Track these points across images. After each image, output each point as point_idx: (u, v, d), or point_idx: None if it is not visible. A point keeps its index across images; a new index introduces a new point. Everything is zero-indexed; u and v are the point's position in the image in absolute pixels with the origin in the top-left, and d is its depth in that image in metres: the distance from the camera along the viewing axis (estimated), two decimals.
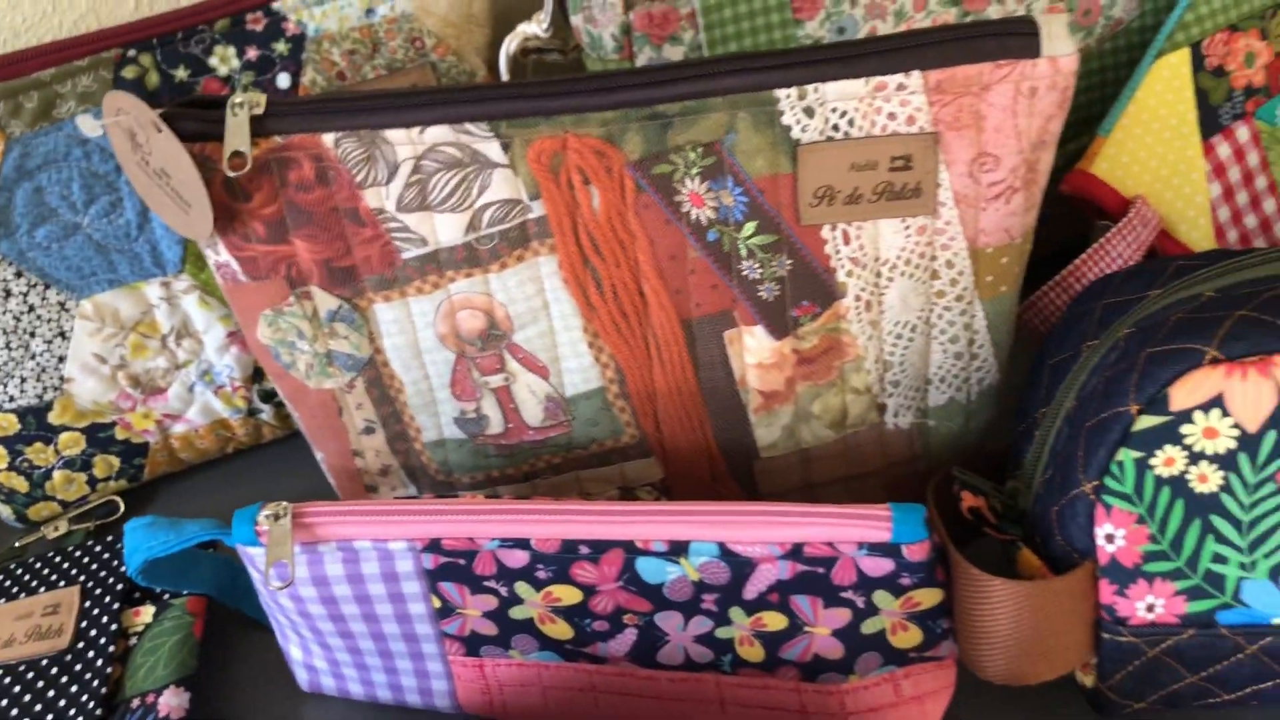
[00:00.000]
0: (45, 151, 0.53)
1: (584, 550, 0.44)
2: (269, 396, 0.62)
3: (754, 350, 0.49)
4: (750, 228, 0.47)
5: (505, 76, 0.58)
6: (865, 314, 0.49)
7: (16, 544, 0.60)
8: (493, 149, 0.46)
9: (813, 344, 0.49)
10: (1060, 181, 0.55)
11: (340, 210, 0.47)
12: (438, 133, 0.45)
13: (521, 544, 0.45)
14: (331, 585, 0.47)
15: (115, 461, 0.61)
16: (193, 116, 0.46)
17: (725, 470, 0.53)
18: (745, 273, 0.48)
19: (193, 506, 0.63)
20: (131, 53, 0.53)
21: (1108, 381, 0.42)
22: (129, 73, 0.53)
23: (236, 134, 0.45)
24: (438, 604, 0.47)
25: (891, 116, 0.45)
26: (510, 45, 0.57)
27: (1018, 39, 0.43)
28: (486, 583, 0.46)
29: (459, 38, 0.58)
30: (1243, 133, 0.57)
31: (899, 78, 0.44)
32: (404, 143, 0.46)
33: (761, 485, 0.53)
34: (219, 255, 0.49)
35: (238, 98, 0.45)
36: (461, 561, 0.45)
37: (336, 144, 0.46)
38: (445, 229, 0.47)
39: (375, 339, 0.50)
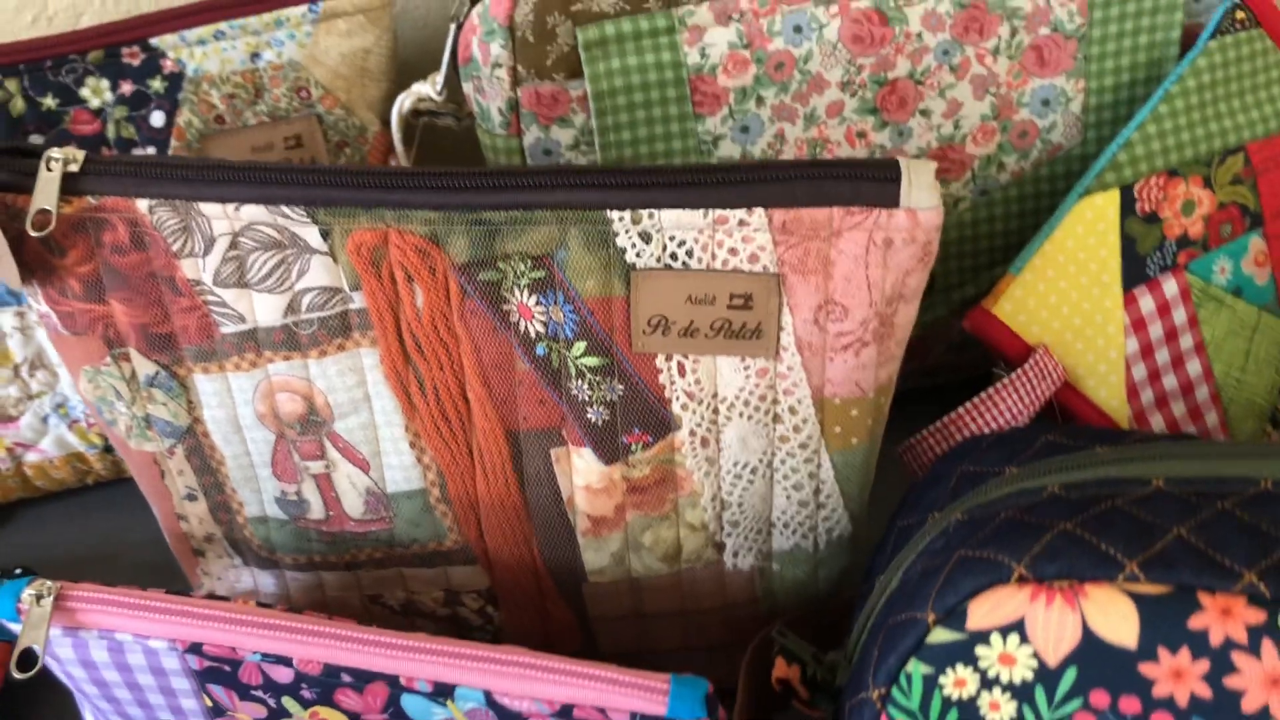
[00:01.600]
0: None
1: (346, 678, 0.41)
2: None
3: (582, 472, 0.46)
4: (580, 347, 0.43)
5: (398, 134, 0.55)
6: (701, 450, 0.45)
7: None
8: (311, 235, 0.43)
9: (644, 473, 0.46)
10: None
11: (158, 276, 0.45)
12: (253, 212, 0.43)
13: (285, 661, 0.42)
14: (100, 670, 0.44)
15: None
16: (6, 166, 0.43)
17: (553, 589, 0.50)
18: (574, 392, 0.44)
19: (44, 535, 0.62)
20: None
21: (921, 575, 0.38)
22: None
23: (45, 191, 0.43)
24: (209, 703, 0.44)
25: (733, 251, 0.41)
26: (404, 104, 0.54)
27: (874, 185, 0.39)
28: (254, 692, 0.43)
29: (349, 90, 0.55)
30: (1170, 286, 0.52)
31: (740, 213, 0.40)
32: (220, 217, 0.43)
33: (591, 608, 0.50)
34: (39, 305, 0.46)
35: (55, 153, 0.43)
36: (227, 668, 0.43)
37: (151, 210, 0.43)
38: (264, 309, 0.45)
39: (195, 409, 0.48)
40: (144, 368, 0.47)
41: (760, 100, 0.52)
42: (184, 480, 0.50)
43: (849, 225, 0.40)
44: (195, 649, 0.42)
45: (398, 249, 0.43)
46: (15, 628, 0.44)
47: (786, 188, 0.40)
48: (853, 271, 0.41)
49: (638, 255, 0.41)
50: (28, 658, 0.43)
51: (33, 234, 0.43)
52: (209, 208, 0.43)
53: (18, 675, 0.42)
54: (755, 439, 0.45)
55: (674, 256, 0.41)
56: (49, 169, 0.43)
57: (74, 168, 0.43)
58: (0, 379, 0.56)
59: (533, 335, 0.43)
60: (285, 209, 0.42)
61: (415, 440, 0.47)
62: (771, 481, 0.46)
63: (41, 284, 0.45)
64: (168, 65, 0.52)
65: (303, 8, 0.53)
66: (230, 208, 0.43)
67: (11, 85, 0.51)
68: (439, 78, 0.54)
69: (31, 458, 0.59)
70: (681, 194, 0.40)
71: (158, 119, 0.53)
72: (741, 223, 0.40)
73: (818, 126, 0.53)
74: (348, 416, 0.47)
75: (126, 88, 0.52)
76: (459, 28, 0.52)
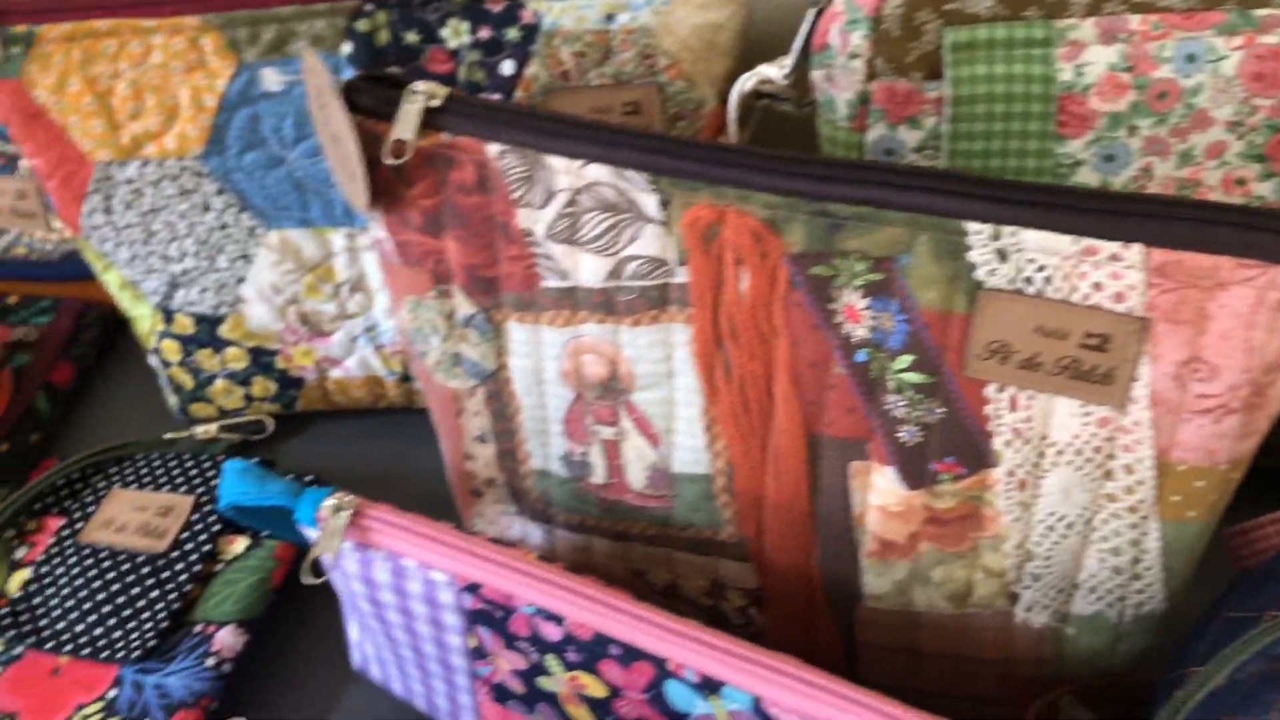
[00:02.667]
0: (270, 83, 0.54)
1: (614, 650, 0.41)
2: None
3: (881, 491, 0.44)
4: (905, 360, 0.41)
5: (734, 114, 0.54)
6: (1017, 493, 0.42)
7: (167, 436, 0.63)
8: (649, 203, 0.42)
9: (948, 506, 0.43)
10: None
11: (494, 220, 0.45)
12: (598, 171, 0.42)
13: (556, 619, 0.42)
14: (378, 589, 0.45)
15: (272, 386, 0.63)
16: (371, 92, 0.45)
17: (824, 605, 0.48)
18: (889, 407, 0.42)
19: (334, 448, 0.64)
20: (369, 6, 0.53)
21: (1260, 679, 0.34)
22: (362, 25, 0.53)
23: (405, 122, 0.44)
24: (473, 644, 0.45)
25: (1098, 286, 0.37)
26: (745, 84, 0.53)
27: (1273, 238, 0.35)
28: (519, 643, 0.43)
29: (695, 63, 0.54)
30: None
31: (1115, 246, 0.37)
32: (564, 172, 0.43)
33: (860, 633, 0.48)
34: (378, 230, 0.48)
35: (418, 85, 0.44)
36: (498, 614, 0.43)
37: (500, 155, 0.44)
38: (588, 269, 0.44)
39: (503, 354, 0.48)
40: (464, 307, 0.48)
41: (1133, 129, 0.47)
42: (478, 422, 0.51)
43: (1238, 279, 0.36)
44: (473, 589, 0.43)
45: (733, 229, 0.41)
46: (310, 532, 0.45)
47: (1166, 226, 0.36)
48: (1232, 330, 0.36)
49: (990, 273, 0.39)
50: (318, 564, 0.45)
51: (388, 161, 0.44)
52: (556, 161, 0.43)
53: (306, 579, 0.44)
54: (1079, 492, 0.41)
55: (1029, 281, 0.38)
56: (411, 101, 0.44)
57: (435, 103, 0.44)
58: (321, 294, 0.59)
59: (855, 340, 0.41)
60: (630, 173, 0.42)
61: (711, 425, 0.45)
62: (1087, 540, 0.42)
63: (386, 210, 0.47)
64: (526, 16, 0.53)
65: None
66: (576, 164, 0.43)
67: (380, 17, 0.53)
68: (787, 61, 0.52)
69: (336, 373, 0.62)
70: (1051, 216, 0.37)
71: (507, 68, 0.54)
72: (1114, 257, 0.37)
73: (1192, 167, 0.48)
74: (648, 389, 0.46)
75: (484, 33, 0.53)
76: (819, 13, 0.50)
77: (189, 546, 0.55)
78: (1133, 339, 0.38)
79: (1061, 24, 0.46)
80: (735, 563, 0.49)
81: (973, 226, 0.38)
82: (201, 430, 0.63)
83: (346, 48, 0.53)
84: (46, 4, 0.53)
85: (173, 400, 0.65)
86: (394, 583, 0.45)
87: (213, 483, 0.58)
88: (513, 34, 0.53)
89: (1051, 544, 0.43)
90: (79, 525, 0.58)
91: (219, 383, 0.63)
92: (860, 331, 0.41)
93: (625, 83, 0.54)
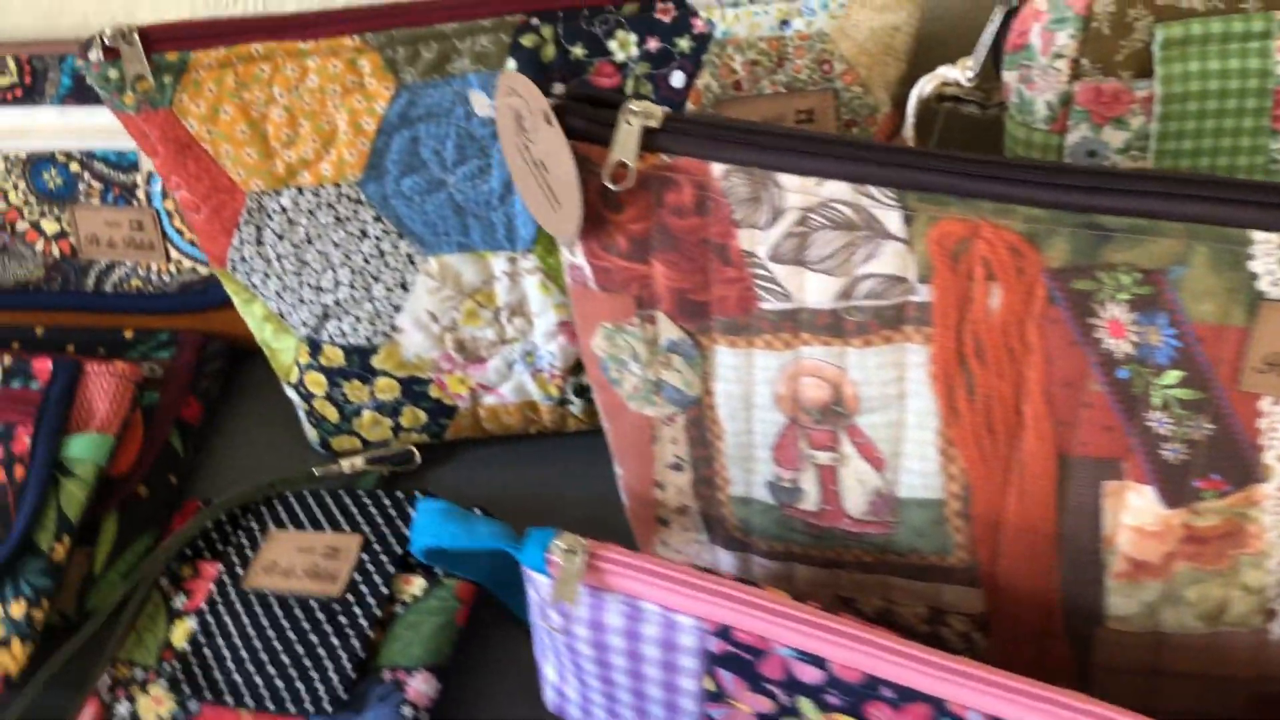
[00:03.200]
0: (430, 104, 0.52)
1: (886, 693, 0.39)
2: (583, 391, 0.60)
3: (1136, 511, 0.42)
4: (1173, 376, 0.39)
5: (912, 119, 0.52)
6: None
7: (315, 471, 0.61)
8: (892, 219, 0.40)
9: (1210, 523, 0.41)
10: None
11: (710, 243, 0.43)
12: (837, 189, 0.40)
13: (818, 662, 0.40)
14: (606, 633, 0.43)
15: (422, 416, 0.61)
16: (582, 114, 0.42)
17: (1060, 628, 0.46)
18: (1152, 424, 0.40)
19: (485, 475, 0.62)
20: (535, 21, 0.51)
21: None
22: (527, 41, 0.51)
23: (626, 145, 0.42)
24: (710, 687, 0.43)
25: None
26: (925, 87, 0.51)
27: None
28: (768, 685, 0.41)
29: (870, 68, 0.52)
30: None
31: None
32: (797, 190, 0.41)
33: (1097, 655, 0.46)
34: (574, 257, 0.46)
35: (634, 105, 0.42)
36: (748, 657, 0.41)
37: (725, 176, 0.42)
38: (814, 289, 0.42)
39: (708, 380, 0.46)
40: (669, 332, 0.46)
41: None
42: (674, 449, 0.49)
43: None
44: (723, 632, 0.41)
45: (986, 244, 0.39)
46: (538, 579, 0.43)
47: None
48: None
49: (1273, 283, 0.37)
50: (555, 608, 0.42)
51: (610, 186, 0.42)
52: (788, 179, 0.41)
53: (552, 626, 0.42)
54: None
55: None
56: (628, 123, 0.42)
57: (653, 123, 0.42)
58: (480, 320, 0.57)
59: (1118, 356, 0.40)
60: (873, 189, 0.40)
61: (947, 448, 0.44)
62: None
63: (584, 237, 0.45)
64: (698, 25, 0.51)
65: None
66: (812, 182, 0.41)
67: (546, 31, 0.51)
68: (970, 62, 0.50)
69: (489, 400, 0.60)
70: None
71: (678, 79, 0.52)
72: None
73: None
74: (874, 412, 0.44)
75: (653, 44, 0.51)
76: (1010, 13, 0.48)
77: (364, 589, 0.53)
78: None
79: None
80: (960, 588, 0.47)
81: (1260, 236, 0.36)
82: (348, 464, 0.61)
83: (511, 64, 0.51)
84: (198, 30, 0.51)
85: (313, 434, 0.63)
86: (626, 626, 0.43)
87: (376, 520, 0.56)
88: (683, 44, 0.51)
89: None
90: (239, 570, 0.56)
91: (366, 414, 0.61)
92: (1124, 347, 0.39)
93: (799, 90, 0.52)
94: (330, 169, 0.53)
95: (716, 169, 0.42)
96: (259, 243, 0.55)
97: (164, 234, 0.65)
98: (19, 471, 0.56)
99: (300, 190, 0.54)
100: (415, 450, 0.62)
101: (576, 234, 0.44)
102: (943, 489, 0.45)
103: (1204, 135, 0.47)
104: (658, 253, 0.44)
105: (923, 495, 0.45)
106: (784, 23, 0.51)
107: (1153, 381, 0.40)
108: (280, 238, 0.55)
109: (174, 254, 0.66)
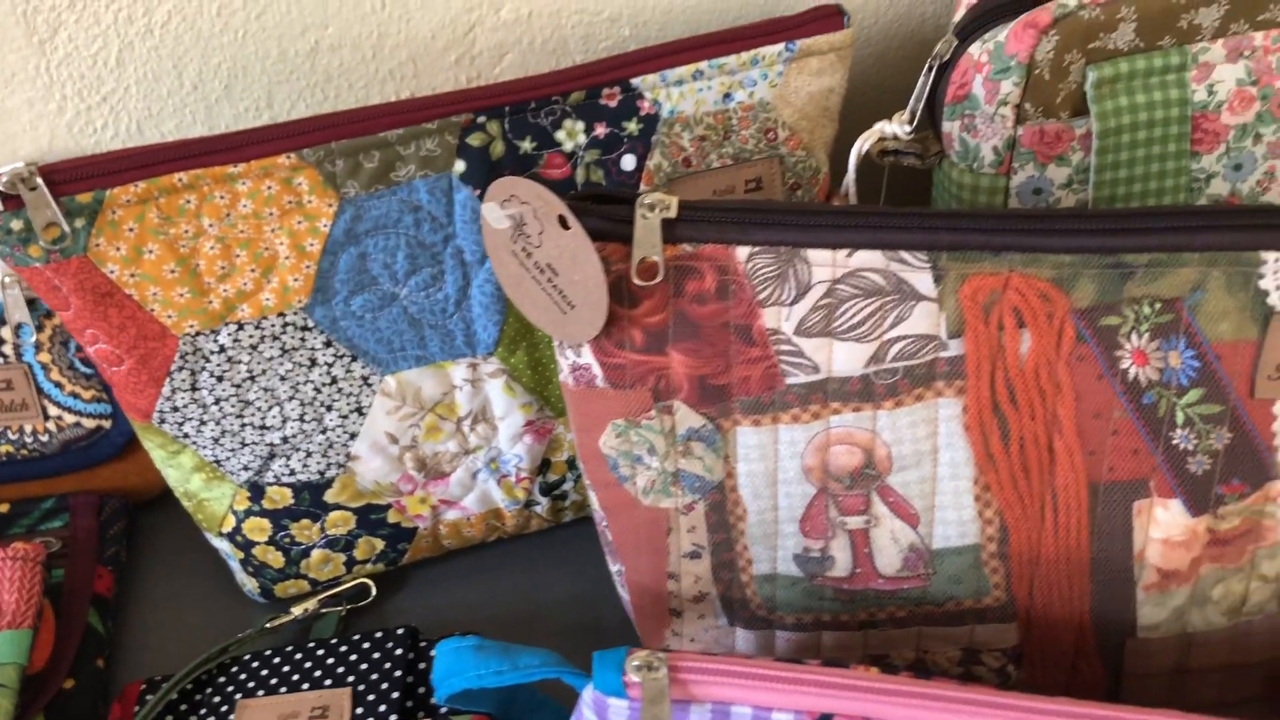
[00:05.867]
0: (377, 216, 0.49)
1: None
2: (549, 489, 0.57)
3: (1164, 525, 0.44)
4: (1195, 394, 0.42)
5: (853, 175, 0.53)
6: None
7: (267, 624, 0.55)
8: (923, 281, 0.41)
9: (1232, 525, 0.44)
10: None
11: (731, 326, 0.42)
12: (866, 257, 0.41)
13: None
14: None
15: (379, 544, 0.57)
16: (595, 213, 0.41)
17: (1093, 647, 0.48)
18: (1176, 441, 0.42)
19: (447, 596, 0.59)
20: (481, 119, 0.49)
21: None
22: (475, 140, 0.49)
23: (648, 239, 0.41)
24: None
25: None
26: (864, 144, 0.52)
27: None
28: None
29: (811, 131, 0.53)
30: None
31: None
32: (825, 264, 0.41)
33: (1129, 664, 0.48)
34: (580, 358, 0.44)
35: (647, 198, 0.41)
36: None
37: (749, 258, 0.41)
38: (843, 358, 0.43)
39: (731, 462, 0.46)
40: (688, 420, 0.45)
41: (1258, 137, 0.50)
42: (691, 538, 0.48)
43: None
44: None
45: (1017, 293, 0.41)
46: (615, 703, 0.41)
47: None
48: None
49: None
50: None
51: (639, 283, 0.41)
52: (817, 254, 0.41)
53: None
54: None
55: None
56: (645, 216, 0.41)
57: (669, 214, 0.41)
58: (442, 433, 0.54)
59: (1143, 382, 0.42)
60: (905, 254, 0.41)
61: (982, 494, 0.45)
62: None
63: (596, 336, 0.43)
64: (645, 106, 0.50)
65: (779, 46, 0.51)
66: (842, 254, 0.41)
67: (493, 128, 0.49)
68: (906, 116, 0.52)
69: (451, 515, 0.57)
70: None
71: (628, 162, 0.51)
72: None
73: None
74: (907, 469, 0.45)
75: (600, 130, 0.50)
76: (943, 67, 0.51)
77: None
78: None
79: (1193, 48, 0.49)
80: (993, 625, 0.48)
81: (1269, 255, 0.39)
82: (300, 609, 0.56)
83: (459, 165, 0.49)
84: (110, 163, 0.46)
85: (250, 584, 0.57)
86: None
87: (360, 667, 0.52)
88: (632, 127, 0.51)
89: None
90: None
91: (316, 554, 0.56)
92: (1148, 373, 0.42)
93: (746, 160, 0.53)
94: (273, 298, 0.49)
95: (741, 252, 0.41)
96: (194, 389, 0.50)
97: (39, 390, 0.58)
98: None
99: (240, 325, 0.49)
100: (370, 582, 0.58)
101: (596, 334, 0.42)
102: (979, 533, 0.45)
103: (1136, 163, 0.50)
104: (676, 342, 0.43)
105: (959, 543, 0.46)
106: (727, 95, 0.51)
107: (1176, 402, 0.42)
108: (219, 380, 0.50)
109: (52, 410, 0.58)
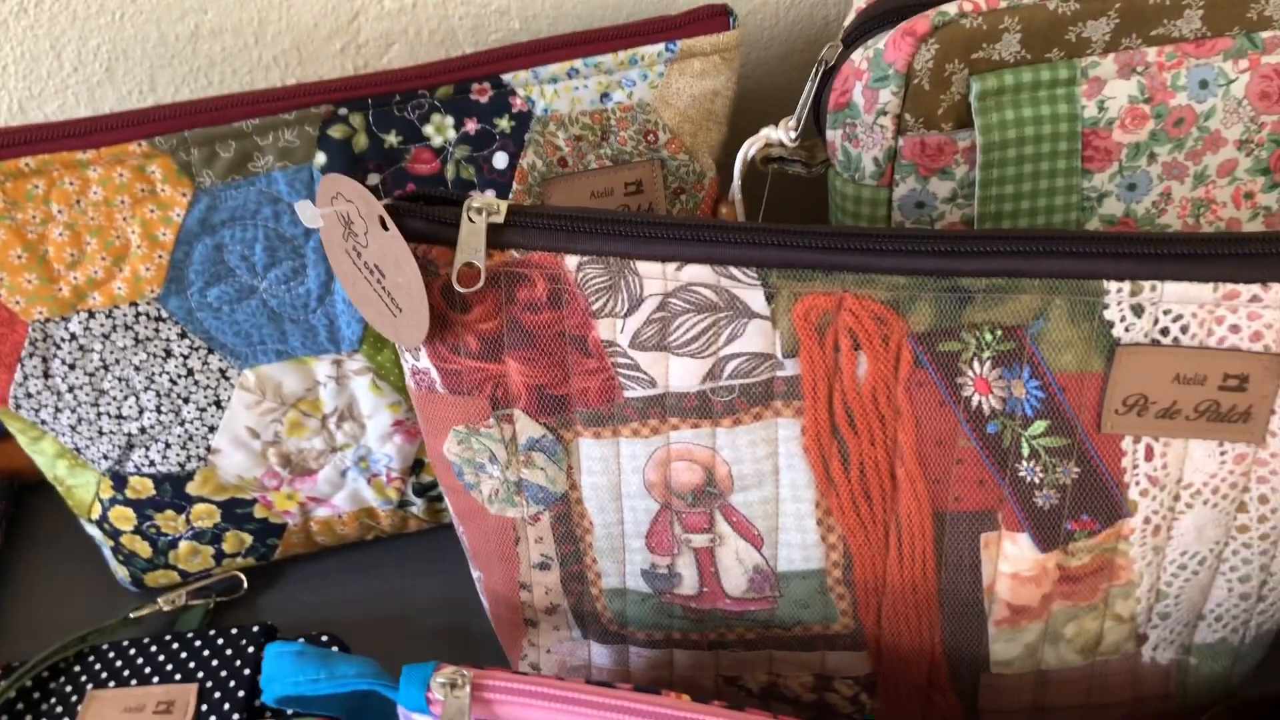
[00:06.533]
0: (233, 206, 0.48)
1: None
2: (424, 490, 0.56)
3: (1012, 559, 0.42)
4: (1040, 426, 0.40)
5: (738, 182, 0.51)
6: (1151, 538, 0.42)
7: (130, 615, 0.55)
8: (755, 298, 0.39)
9: (1082, 562, 0.42)
10: None
11: (567, 336, 0.41)
12: (696, 272, 0.39)
13: None
14: None
15: (247, 539, 0.56)
16: (419, 214, 0.40)
17: (946, 680, 0.46)
18: (1023, 474, 0.41)
19: (321, 594, 0.58)
20: (343, 111, 0.47)
21: None
22: (336, 132, 0.47)
23: (471, 244, 0.39)
24: None
25: (1234, 329, 0.38)
26: (750, 150, 0.51)
27: None
28: None
29: (695, 135, 0.52)
30: None
31: (1255, 288, 0.37)
32: (655, 277, 0.40)
33: (984, 700, 0.47)
34: (418, 361, 0.43)
35: (475, 202, 0.39)
36: None
37: (579, 268, 0.40)
38: (679, 374, 0.41)
39: (574, 474, 0.44)
40: (529, 430, 0.43)
41: (1152, 157, 0.48)
42: (540, 548, 0.47)
43: None
44: None
45: (851, 315, 0.39)
46: (416, 719, 0.40)
47: None
48: None
49: (1126, 329, 0.38)
50: None
51: (459, 289, 0.40)
52: (647, 266, 0.40)
53: None
54: (1213, 528, 0.41)
55: (1164, 332, 0.38)
56: (471, 220, 0.40)
57: (497, 219, 0.40)
58: (306, 430, 0.53)
59: (986, 411, 0.40)
60: (734, 270, 0.39)
61: (824, 518, 0.43)
62: (1215, 573, 0.42)
63: (431, 340, 0.42)
64: (517, 103, 0.49)
65: (659, 46, 0.49)
66: (671, 267, 0.39)
67: (356, 120, 0.48)
68: (793, 122, 0.50)
69: (321, 513, 0.56)
70: (1192, 266, 0.37)
71: (500, 160, 0.50)
72: (1254, 299, 0.37)
73: (1205, 186, 0.50)
74: (749, 489, 0.43)
75: (471, 126, 0.49)
76: (827, 73, 0.49)
77: None
78: (1271, 375, 0.38)
79: (1083, 62, 0.47)
80: (845, 653, 0.47)
81: (1112, 285, 0.37)
82: (167, 600, 0.55)
83: (320, 158, 0.48)
84: None
85: (122, 573, 0.57)
86: None
87: (212, 663, 0.51)
88: (504, 124, 0.49)
89: (1183, 582, 0.43)
90: None
91: (183, 545, 0.55)
92: (991, 403, 0.40)
93: (625, 162, 0.51)
94: (124, 287, 0.48)
95: (570, 261, 0.40)
96: (46, 375, 0.49)
97: None
98: None
99: (91, 314, 0.48)
100: (242, 576, 0.57)
101: (421, 340, 0.41)
102: (823, 558, 0.44)
103: (1023, 179, 0.48)
104: (511, 350, 0.42)
105: (803, 567, 0.44)
106: (604, 95, 0.50)
107: (1021, 433, 0.40)
108: (71, 368, 0.49)
109: None
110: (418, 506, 0.57)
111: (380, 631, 0.56)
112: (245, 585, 0.57)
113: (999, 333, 0.39)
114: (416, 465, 0.55)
